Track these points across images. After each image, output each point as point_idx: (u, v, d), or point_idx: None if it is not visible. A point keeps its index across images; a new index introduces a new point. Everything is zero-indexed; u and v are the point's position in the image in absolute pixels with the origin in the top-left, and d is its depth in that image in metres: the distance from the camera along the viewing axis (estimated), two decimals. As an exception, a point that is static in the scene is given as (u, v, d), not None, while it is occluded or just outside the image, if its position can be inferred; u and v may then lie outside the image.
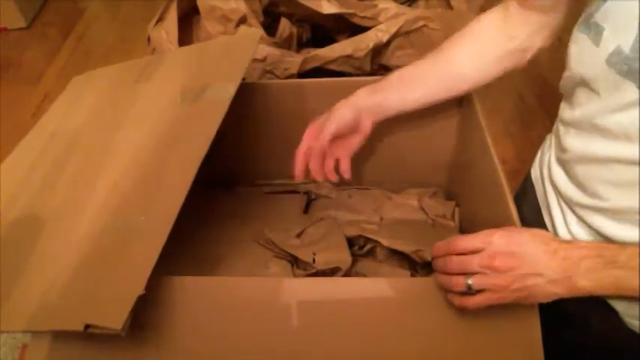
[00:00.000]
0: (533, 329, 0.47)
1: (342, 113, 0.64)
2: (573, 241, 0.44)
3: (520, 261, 0.43)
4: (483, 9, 0.99)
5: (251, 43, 0.71)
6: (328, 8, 0.93)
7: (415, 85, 0.64)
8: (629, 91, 0.43)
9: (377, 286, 0.50)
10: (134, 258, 0.47)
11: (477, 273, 0.44)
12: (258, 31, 0.90)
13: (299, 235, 0.76)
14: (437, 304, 0.49)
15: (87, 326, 0.42)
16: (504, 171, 0.59)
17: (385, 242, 0.71)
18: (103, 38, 2.20)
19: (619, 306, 0.54)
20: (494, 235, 0.44)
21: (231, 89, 0.61)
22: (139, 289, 0.43)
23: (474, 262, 0.44)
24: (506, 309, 0.48)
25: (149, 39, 1.00)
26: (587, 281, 0.42)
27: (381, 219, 0.86)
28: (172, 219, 0.47)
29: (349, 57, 0.91)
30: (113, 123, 0.69)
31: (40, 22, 2.32)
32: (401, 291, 0.49)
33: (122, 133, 0.66)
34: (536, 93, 1.74)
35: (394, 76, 0.65)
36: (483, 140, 0.65)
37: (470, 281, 0.44)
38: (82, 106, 0.74)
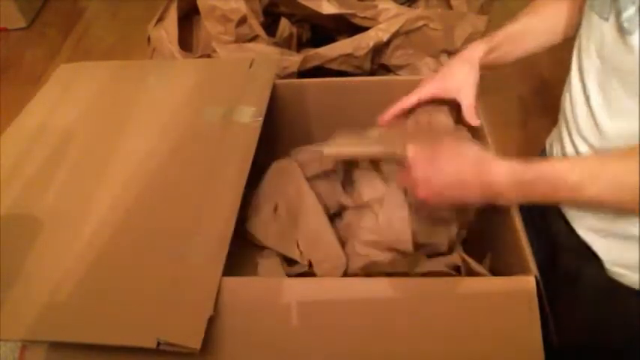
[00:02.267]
0: (533, 329, 0.47)
1: (470, 84, 0.66)
2: (495, 164, 0.50)
3: (439, 189, 0.52)
4: (483, 9, 0.99)
5: (270, 69, 0.75)
6: (328, 8, 0.93)
7: (522, 42, 0.67)
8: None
9: (377, 286, 0.50)
10: (193, 276, 0.49)
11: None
12: (275, 56, 0.91)
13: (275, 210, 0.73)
14: (437, 304, 0.49)
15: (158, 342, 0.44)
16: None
17: None
18: (103, 38, 2.19)
19: (602, 254, 0.58)
20: (418, 165, 0.53)
21: (257, 114, 0.66)
22: (209, 309, 0.46)
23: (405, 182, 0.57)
24: (507, 309, 0.48)
25: (149, 39, 1.00)
26: (505, 201, 0.53)
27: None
28: (227, 245, 0.51)
29: (349, 56, 0.91)
30: (113, 123, 0.69)
31: (40, 22, 2.31)
32: (401, 290, 0.49)
33: (126, 136, 0.66)
34: (536, 93, 1.73)
35: (503, 34, 0.67)
36: (483, 140, 0.65)
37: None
38: (73, 100, 0.74)
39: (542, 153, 0.70)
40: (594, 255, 0.58)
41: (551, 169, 0.48)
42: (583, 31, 0.56)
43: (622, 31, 0.47)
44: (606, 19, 0.50)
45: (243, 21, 0.95)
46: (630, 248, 0.55)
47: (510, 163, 0.49)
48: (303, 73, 0.93)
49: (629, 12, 0.46)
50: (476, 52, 0.66)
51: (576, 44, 0.58)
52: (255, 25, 0.95)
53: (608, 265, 0.58)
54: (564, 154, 0.60)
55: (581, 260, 0.60)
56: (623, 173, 0.44)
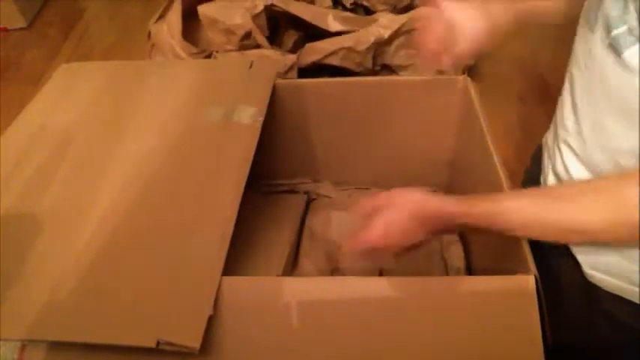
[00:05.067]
0: (533, 329, 0.47)
1: (479, 34, 0.62)
2: (426, 205, 0.52)
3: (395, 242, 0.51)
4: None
5: (271, 69, 0.76)
6: (334, 26, 0.93)
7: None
8: None
9: (377, 286, 0.50)
10: (193, 275, 0.49)
11: None
12: (275, 59, 0.91)
13: None
14: (437, 303, 0.49)
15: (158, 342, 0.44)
16: (504, 171, 0.59)
17: None
18: (103, 38, 2.19)
19: (579, 256, 0.57)
20: (373, 236, 0.51)
21: (258, 115, 0.66)
22: (208, 309, 0.46)
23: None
24: (507, 309, 0.48)
25: (149, 35, 1.00)
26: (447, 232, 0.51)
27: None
28: (226, 245, 0.51)
29: (350, 50, 0.91)
30: (113, 123, 0.69)
31: (40, 22, 2.31)
32: (401, 290, 0.49)
33: (126, 136, 0.66)
34: (536, 93, 1.73)
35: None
36: (483, 140, 0.65)
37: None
38: (74, 100, 0.74)
39: (537, 151, 0.70)
40: (573, 256, 0.58)
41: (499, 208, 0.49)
42: (576, 37, 0.55)
43: (611, 48, 0.45)
44: (593, 32, 0.49)
45: (247, 36, 0.95)
46: (603, 253, 0.54)
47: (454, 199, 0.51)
48: (303, 73, 0.93)
49: (620, 30, 0.44)
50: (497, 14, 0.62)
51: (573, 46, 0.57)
52: (261, 40, 0.96)
53: (585, 268, 0.57)
54: (550, 157, 0.60)
55: (562, 260, 0.59)
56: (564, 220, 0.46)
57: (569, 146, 0.56)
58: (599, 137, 0.51)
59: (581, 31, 0.53)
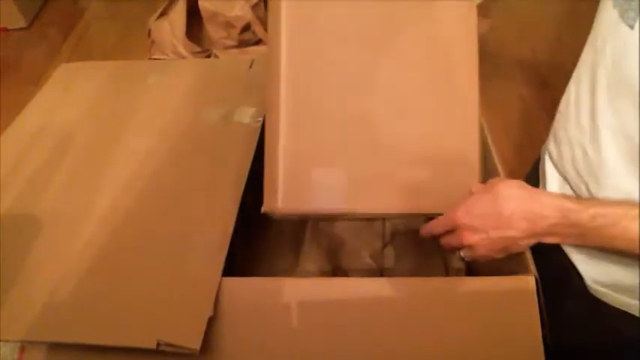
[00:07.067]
0: (533, 329, 0.47)
1: None
2: (539, 198, 0.46)
3: (485, 233, 0.47)
4: (483, 13, 0.99)
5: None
6: None
7: None
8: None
9: (377, 286, 0.50)
10: (193, 277, 0.49)
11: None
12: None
13: None
14: (437, 304, 0.49)
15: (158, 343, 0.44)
16: (504, 171, 0.59)
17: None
18: (103, 38, 2.19)
19: (583, 270, 0.56)
20: (457, 213, 0.48)
21: (258, 115, 0.65)
22: (208, 310, 0.46)
23: (453, 243, 0.50)
24: (507, 310, 0.48)
25: (149, 32, 1.00)
26: (553, 238, 0.47)
27: (384, 220, 0.86)
28: (226, 245, 0.51)
29: None
30: (113, 123, 0.69)
31: (40, 22, 2.31)
32: (401, 290, 0.49)
33: (125, 136, 0.66)
34: (537, 93, 1.73)
35: None
36: (483, 140, 0.65)
37: (462, 254, 0.50)
38: (74, 100, 0.74)
39: (536, 163, 0.68)
40: (576, 270, 0.57)
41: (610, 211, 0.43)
42: (599, 27, 0.49)
43: None
44: (631, 27, 0.43)
45: (247, 28, 0.95)
46: (608, 267, 0.52)
47: (559, 201, 0.45)
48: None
49: None
50: None
51: (590, 39, 0.51)
52: (260, 32, 0.95)
53: (588, 282, 0.56)
54: (560, 157, 0.58)
55: (565, 272, 0.58)
56: None
57: (583, 148, 0.52)
58: (622, 144, 0.47)
59: (609, 18, 0.47)
